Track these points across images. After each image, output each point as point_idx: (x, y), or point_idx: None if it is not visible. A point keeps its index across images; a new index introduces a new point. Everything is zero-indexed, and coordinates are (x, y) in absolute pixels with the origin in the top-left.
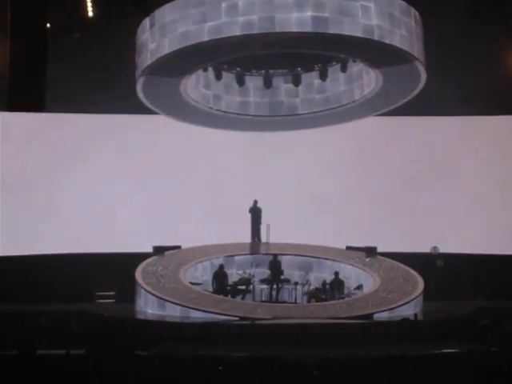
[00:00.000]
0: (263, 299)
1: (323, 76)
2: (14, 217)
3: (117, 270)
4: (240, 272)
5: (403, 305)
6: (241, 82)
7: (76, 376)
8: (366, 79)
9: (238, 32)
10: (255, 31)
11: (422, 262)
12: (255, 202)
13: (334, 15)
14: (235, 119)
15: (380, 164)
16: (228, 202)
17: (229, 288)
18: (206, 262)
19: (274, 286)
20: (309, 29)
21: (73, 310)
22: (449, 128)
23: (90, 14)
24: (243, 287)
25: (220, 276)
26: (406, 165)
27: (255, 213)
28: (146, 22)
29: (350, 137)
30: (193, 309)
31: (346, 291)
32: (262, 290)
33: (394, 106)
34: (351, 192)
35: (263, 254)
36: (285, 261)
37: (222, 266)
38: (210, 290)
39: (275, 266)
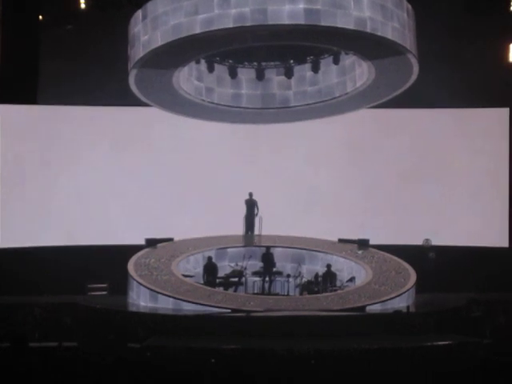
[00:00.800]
0: (255, 291)
1: (315, 68)
2: (8, 209)
3: (109, 262)
4: (232, 264)
5: (396, 297)
6: (233, 74)
7: (68, 368)
8: (359, 71)
9: (230, 24)
10: (248, 23)
11: (415, 255)
12: (250, 194)
13: (326, 7)
14: (228, 111)
15: (373, 156)
16: (221, 194)
17: (220, 280)
18: (199, 254)
19: (267, 279)
20: (301, 21)
21: (65, 302)
22: (442, 120)
23: (83, 5)
24: (235, 279)
25: (210, 268)
26: (398, 157)
27: (250, 205)
28: (139, 13)
29: (342, 129)
30: (185, 301)
31: (338, 283)
32: (254, 282)
33: (387, 98)
34: (344, 184)
35: (256, 247)
36: (277, 253)
37: (210, 258)
38: (203, 282)
39: (268, 259)
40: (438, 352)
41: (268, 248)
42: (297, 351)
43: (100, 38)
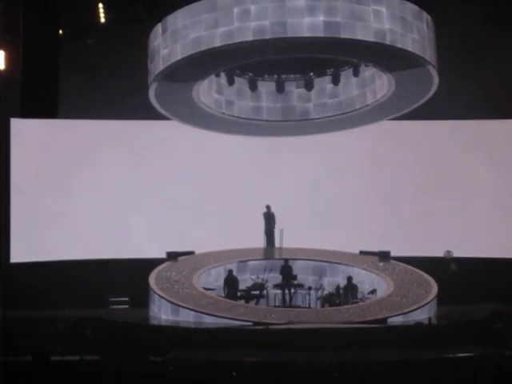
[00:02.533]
0: (277, 304)
1: (335, 80)
2: (28, 223)
3: (130, 275)
4: (253, 277)
5: (417, 309)
6: (253, 86)
7: (90, 382)
8: (379, 83)
9: (250, 37)
10: (267, 36)
11: (436, 267)
12: (268, 206)
13: (346, 19)
14: (248, 124)
15: (393, 168)
16: (241, 206)
17: (241, 293)
18: (220, 267)
19: (287, 291)
20: (321, 33)
21: (87, 316)
22: (461, 132)
23: (102, 19)
24: (257, 292)
25: (230, 281)
26: (419, 168)
27: (268, 218)
28: (159, 27)
29: (362, 141)
30: (207, 314)
31: (359, 296)
32: (275, 294)
33: (407, 110)
34: (364, 196)
35: (276, 259)
36: (298, 265)
37: (231, 271)
38: (223, 295)
39: (286, 271)
40: (460, 364)
41: (286, 260)
42: (319, 364)
43: (120, 52)
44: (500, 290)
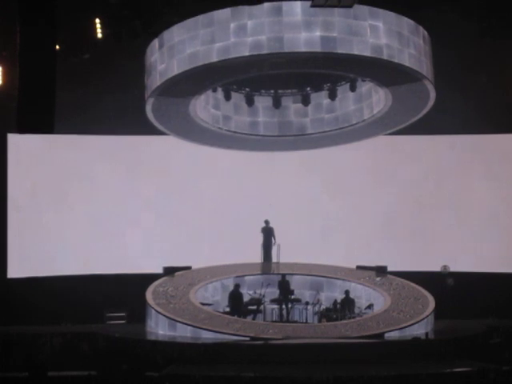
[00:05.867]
0: (274, 319)
1: (332, 95)
2: (25, 238)
3: (127, 290)
4: (251, 292)
5: (414, 324)
6: (250, 102)
7: None
8: (375, 98)
9: (246, 52)
10: (264, 51)
11: (433, 281)
12: (266, 221)
13: (342, 35)
14: (245, 139)
15: (390, 183)
16: (238, 222)
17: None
18: (217, 282)
19: (284, 306)
20: (318, 48)
21: (83, 331)
22: (458, 147)
23: (99, 35)
24: (254, 307)
25: (235, 296)
26: (416, 183)
27: (267, 233)
28: (155, 42)
29: (359, 156)
30: (204, 329)
31: (356, 310)
32: (272, 309)
33: (404, 124)
34: (361, 211)
35: (273, 274)
36: (295, 280)
37: (237, 286)
38: (221, 310)
39: (284, 286)
40: (457, 379)
41: (284, 275)
42: (316, 379)
43: (117, 67)
44: (497, 304)
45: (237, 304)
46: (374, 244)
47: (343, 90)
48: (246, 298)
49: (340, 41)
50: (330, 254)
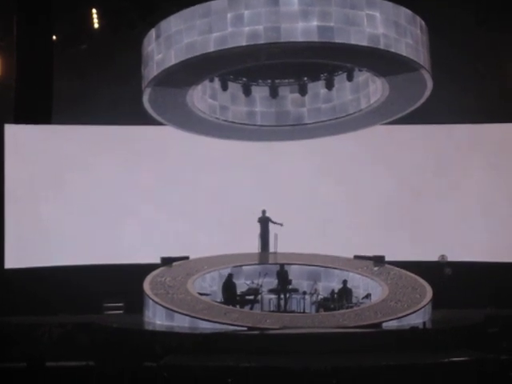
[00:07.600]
0: (272, 309)
1: (329, 85)
2: (22, 229)
3: (125, 281)
4: (248, 282)
5: (412, 313)
6: (247, 91)
7: None
8: (373, 88)
9: (243, 42)
10: (261, 41)
11: (431, 271)
12: (263, 211)
13: (339, 24)
14: (242, 129)
15: (388, 172)
16: (236, 211)
17: (237, 298)
18: (214, 272)
19: (282, 296)
20: (314, 38)
21: (81, 322)
22: (456, 136)
23: (96, 25)
24: (251, 297)
25: (229, 286)
26: (414, 173)
27: (264, 223)
28: (152, 33)
29: (356, 145)
30: (201, 319)
31: (354, 300)
32: (270, 299)
33: (401, 114)
34: (359, 201)
35: (271, 264)
36: (293, 270)
37: (230, 276)
38: (219, 300)
39: (282, 276)
40: (455, 368)
41: (282, 265)
42: (313, 368)
43: (114, 58)
44: (495, 294)
45: (230, 294)
46: (371, 234)
47: (340, 79)
48: (243, 288)
49: (337, 30)
50: (327, 243)
